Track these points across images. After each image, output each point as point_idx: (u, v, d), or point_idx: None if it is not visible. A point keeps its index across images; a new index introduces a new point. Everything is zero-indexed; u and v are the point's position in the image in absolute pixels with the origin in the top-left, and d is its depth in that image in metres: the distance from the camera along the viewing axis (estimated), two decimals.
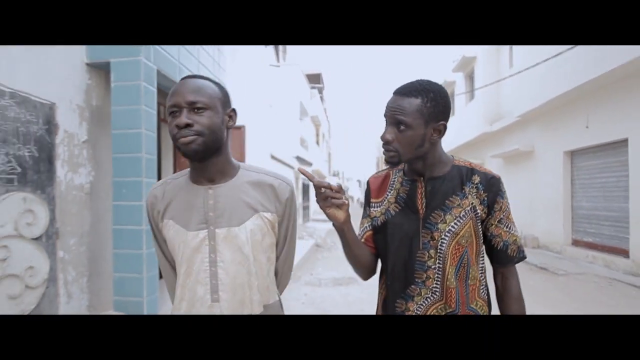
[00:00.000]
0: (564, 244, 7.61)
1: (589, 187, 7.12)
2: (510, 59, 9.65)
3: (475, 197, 1.00)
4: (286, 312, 3.89)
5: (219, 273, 0.94)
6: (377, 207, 1.09)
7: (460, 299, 0.99)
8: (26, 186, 2.47)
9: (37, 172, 2.56)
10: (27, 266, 2.46)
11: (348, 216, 0.96)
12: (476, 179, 1.01)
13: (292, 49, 15.90)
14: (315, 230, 12.01)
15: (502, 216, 1.01)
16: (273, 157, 10.05)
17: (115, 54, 2.99)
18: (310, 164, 15.85)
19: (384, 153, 0.99)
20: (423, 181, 1.03)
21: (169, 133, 0.95)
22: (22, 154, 2.44)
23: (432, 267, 0.99)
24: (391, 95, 1.01)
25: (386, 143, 0.98)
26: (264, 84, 9.18)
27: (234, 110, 1.02)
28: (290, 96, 13.37)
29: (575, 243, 7.47)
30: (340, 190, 0.92)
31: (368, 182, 1.15)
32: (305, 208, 16.71)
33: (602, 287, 5.09)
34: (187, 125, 0.90)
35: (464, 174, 1.02)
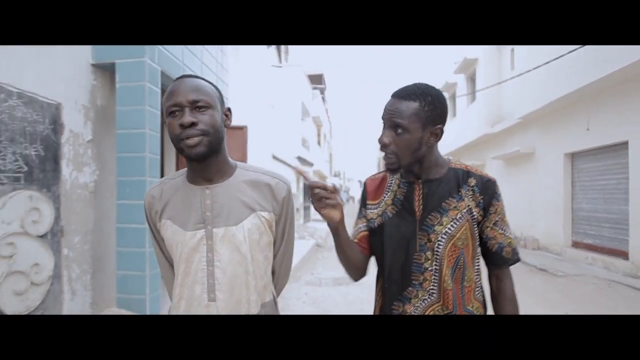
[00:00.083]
0: (564, 245, 7.63)
1: (589, 189, 7.14)
2: (512, 61, 9.67)
3: (471, 199, 1.00)
4: (287, 311, 3.90)
5: (216, 272, 0.94)
6: (373, 208, 1.09)
7: (457, 300, 0.99)
8: (32, 184, 2.52)
9: (43, 170, 2.60)
10: (32, 263, 2.50)
11: (342, 217, 0.97)
12: (472, 181, 1.02)
13: (294, 50, 15.94)
14: (316, 231, 12.05)
15: (497, 218, 1.02)
16: (275, 158, 10.09)
17: (121, 55, 3.04)
18: (311, 165, 15.89)
19: (384, 158, 1.00)
20: (420, 183, 1.03)
21: (169, 134, 0.92)
22: (28, 153, 2.49)
23: (429, 269, 0.99)
24: (389, 97, 1.01)
25: (383, 146, 0.98)
26: (266, 85, 9.22)
27: (229, 109, 1.03)
28: (292, 97, 13.42)
29: (575, 245, 7.49)
30: (334, 191, 0.93)
31: (365, 184, 1.15)
32: (307, 208, 16.75)
33: (601, 289, 5.11)
34: (193, 124, 0.89)
35: (460, 177, 1.03)
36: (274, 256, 1.07)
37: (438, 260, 0.98)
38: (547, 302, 4.45)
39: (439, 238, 0.98)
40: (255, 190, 1.00)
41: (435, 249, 0.98)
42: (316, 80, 20.26)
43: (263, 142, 8.50)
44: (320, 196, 0.92)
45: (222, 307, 0.94)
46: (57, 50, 2.76)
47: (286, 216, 1.05)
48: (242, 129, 4.18)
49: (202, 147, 0.90)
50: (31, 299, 2.50)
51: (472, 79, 12.22)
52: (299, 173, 0.99)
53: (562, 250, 7.63)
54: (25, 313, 2.45)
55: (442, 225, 0.98)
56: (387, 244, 1.03)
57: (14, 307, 2.37)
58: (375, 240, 1.07)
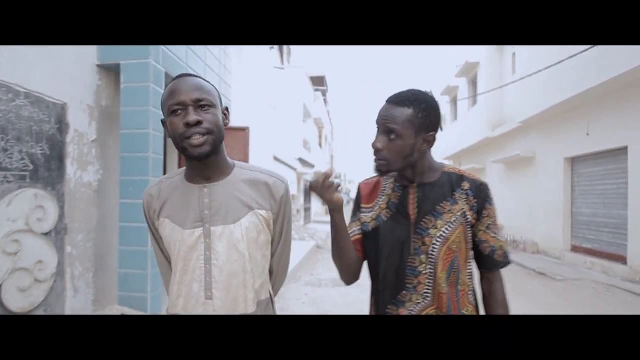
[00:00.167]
0: (563, 249, 7.65)
1: (589, 193, 7.16)
2: (513, 65, 9.71)
3: (465, 202, 1.01)
4: (286, 311, 3.94)
5: (213, 270, 0.95)
6: (367, 212, 1.09)
7: (452, 304, 0.99)
8: (37, 183, 2.56)
9: (48, 169, 2.64)
10: (36, 260, 2.54)
11: (342, 198, 1.00)
12: (465, 185, 1.02)
13: (296, 52, 16.01)
14: (316, 232, 12.08)
15: (489, 222, 1.03)
16: (276, 159, 10.14)
17: (125, 56, 3.08)
18: (312, 166, 15.93)
19: (374, 160, 1.01)
20: (414, 187, 1.04)
21: (171, 132, 0.92)
22: (34, 152, 2.53)
23: (423, 272, 0.99)
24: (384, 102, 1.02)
25: (376, 151, 0.99)
26: (268, 86, 9.28)
27: (227, 108, 1.03)
28: (293, 98, 13.47)
29: (574, 249, 7.51)
30: (329, 175, 0.98)
31: (358, 187, 1.16)
32: (307, 209, 16.78)
33: (599, 293, 5.13)
34: (198, 123, 0.89)
35: (454, 181, 1.03)
36: (272, 255, 1.07)
37: (432, 264, 0.98)
38: (545, 305, 4.47)
39: (434, 241, 0.98)
40: (253, 188, 1.00)
41: (430, 252, 0.98)
42: (318, 82, 20.33)
43: (264, 143, 8.54)
44: (325, 184, 0.96)
45: (218, 305, 0.95)
46: (63, 51, 2.80)
47: (284, 215, 1.05)
48: (244, 129, 4.21)
49: (207, 146, 0.90)
50: (34, 296, 2.54)
51: (473, 83, 12.26)
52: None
53: (561, 254, 7.64)
54: (29, 309, 2.49)
55: (436, 228, 0.99)
56: (381, 247, 1.03)
57: (18, 303, 2.41)
58: (369, 244, 1.07)
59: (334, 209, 0.99)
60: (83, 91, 3.02)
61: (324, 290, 5.03)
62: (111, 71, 3.26)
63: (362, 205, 1.11)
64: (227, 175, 1.00)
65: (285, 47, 13.60)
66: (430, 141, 0.99)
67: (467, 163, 13.10)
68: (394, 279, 1.01)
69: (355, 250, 1.08)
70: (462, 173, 1.05)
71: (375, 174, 1.07)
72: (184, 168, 1.03)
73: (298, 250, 7.71)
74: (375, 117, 1.02)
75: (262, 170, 1.05)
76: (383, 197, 1.08)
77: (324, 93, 21.91)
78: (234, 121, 5.22)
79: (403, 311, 1.00)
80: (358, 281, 1.14)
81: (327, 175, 0.96)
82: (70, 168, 2.89)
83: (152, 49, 3.09)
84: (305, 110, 15.54)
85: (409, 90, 0.99)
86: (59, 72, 2.77)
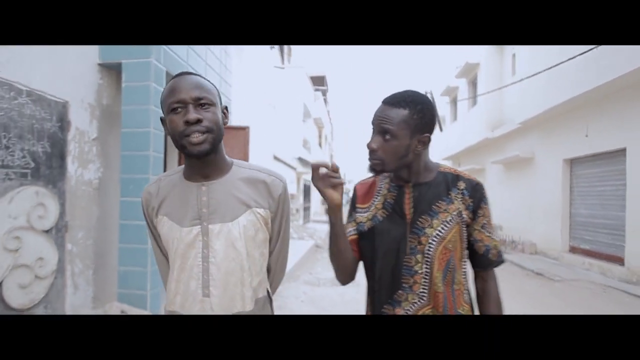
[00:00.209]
0: (562, 250, 7.68)
1: (587, 195, 7.19)
2: (513, 67, 9.74)
3: (461, 202, 1.01)
4: (285, 310, 3.95)
5: (211, 268, 0.95)
6: (363, 212, 1.09)
7: (448, 304, 0.99)
8: (39, 180, 2.58)
9: (49, 167, 2.66)
10: (37, 257, 2.56)
11: (342, 199, 0.98)
12: (461, 185, 1.03)
13: (296, 52, 16.02)
14: (315, 231, 12.11)
15: (485, 221, 1.03)
16: (276, 158, 10.16)
17: (127, 55, 3.10)
18: None
19: (369, 160, 1.01)
20: (410, 187, 1.04)
21: (171, 130, 0.92)
22: (36, 150, 2.55)
23: (419, 272, 0.99)
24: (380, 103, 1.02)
25: (371, 151, 0.99)
26: (269, 86, 9.30)
27: (226, 107, 1.03)
28: (293, 98, 13.49)
29: (573, 250, 7.53)
30: (337, 170, 0.95)
31: (354, 188, 1.16)
32: (306, 209, 16.80)
33: (596, 294, 5.15)
34: (198, 121, 0.89)
35: (450, 180, 1.03)
36: (270, 253, 1.08)
37: (428, 263, 0.99)
38: (543, 305, 4.49)
39: (430, 241, 0.99)
40: (251, 187, 1.00)
41: (426, 251, 0.99)
42: (318, 82, 20.34)
43: (264, 142, 8.56)
44: (326, 175, 0.94)
45: (216, 302, 0.95)
46: (65, 49, 2.82)
47: (282, 213, 1.05)
48: (244, 129, 4.23)
49: (207, 145, 0.91)
50: (35, 292, 2.56)
51: (473, 84, 12.28)
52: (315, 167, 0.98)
53: (559, 255, 7.67)
54: (29, 306, 2.51)
55: (432, 227, 0.99)
56: (377, 247, 1.03)
57: (19, 300, 2.43)
58: (366, 244, 1.07)
59: (330, 208, 0.99)
60: (84, 90, 3.04)
61: (323, 289, 5.06)
62: (112, 70, 3.28)
63: (358, 205, 1.12)
64: (225, 173, 1.00)
65: (285, 47, 13.62)
66: (426, 142, 1.00)
67: (466, 164, 13.12)
68: (390, 279, 1.01)
69: (352, 251, 1.08)
70: (458, 173, 1.05)
71: (370, 175, 1.07)
72: (183, 166, 1.03)
73: (297, 249, 7.73)
74: (371, 118, 1.02)
75: (261, 169, 1.05)
76: (379, 198, 1.08)
77: (324, 93, 21.93)
78: (235, 120, 5.24)
79: (399, 311, 1.00)
80: (356, 281, 1.14)
81: (325, 165, 0.95)
82: (72, 166, 2.91)
83: (154, 48, 3.11)
84: (306, 110, 15.56)
85: (404, 92, 1.00)
86: (61, 71, 2.79)
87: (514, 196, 9.72)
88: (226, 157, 1.03)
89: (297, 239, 9.92)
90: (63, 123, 2.79)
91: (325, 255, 8.00)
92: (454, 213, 1.00)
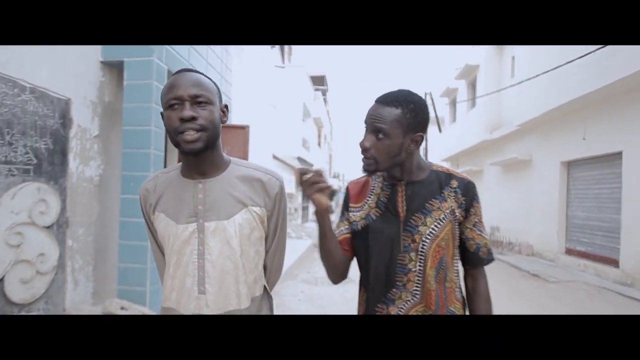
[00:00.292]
0: (558, 252, 7.74)
1: (584, 197, 7.25)
2: (512, 69, 9.79)
3: (453, 200, 1.02)
4: (283, 308, 3.97)
5: (206, 265, 0.96)
6: (356, 211, 1.10)
7: (440, 301, 1.00)
8: (41, 177, 2.61)
9: (51, 163, 2.69)
10: (38, 253, 2.59)
11: (329, 203, 0.99)
12: (454, 183, 1.04)
13: (297, 51, 16.05)
14: (314, 231, 12.15)
15: (476, 220, 1.05)
16: (275, 157, 10.19)
17: (129, 54, 3.13)
18: (311, 165, 15.98)
19: (362, 160, 1.01)
20: (403, 185, 1.05)
21: (167, 126, 0.93)
22: (38, 146, 2.58)
23: (413, 269, 0.99)
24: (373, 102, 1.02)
25: (364, 150, 0.99)
26: (269, 85, 9.32)
27: (226, 106, 1.02)
28: (293, 97, 13.52)
29: (569, 252, 7.59)
30: (321, 174, 0.95)
31: (347, 188, 1.16)
32: (305, 209, 16.84)
33: (591, 295, 5.21)
34: (193, 119, 0.89)
35: (442, 179, 1.04)
36: (266, 251, 1.08)
37: (422, 261, 0.99)
38: (539, 306, 4.54)
39: (424, 238, 0.99)
40: (247, 185, 1.01)
41: (420, 249, 0.99)
42: (318, 81, 20.37)
43: (264, 141, 8.59)
44: (312, 181, 0.95)
45: (211, 299, 0.95)
46: (69, 47, 2.85)
47: (278, 212, 1.06)
48: (244, 128, 4.26)
49: (200, 143, 0.91)
50: (36, 288, 2.58)
51: (472, 85, 12.34)
52: (299, 172, 0.99)
53: (555, 257, 7.73)
54: (30, 301, 2.53)
55: (426, 225, 1.00)
56: (371, 246, 1.04)
57: (20, 294, 2.45)
58: (359, 243, 1.07)
59: (318, 212, 0.99)
60: (87, 87, 3.07)
61: (321, 288, 5.10)
62: (114, 68, 3.31)
63: (351, 204, 1.12)
64: (222, 171, 1.01)
65: (286, 46, 13.64)
66: (418, 141, 1.00)
67: (465, 165, 13.17)
68: (384, 277, 1.02)
69: (343, 250, 1.09)
70: (450, 172, 1.07)
71: (363, 174, 1.08)
72: (181, 163, 1.04)
73: (295, 248, 7.76)
74: (364, 117, 1.03)
75: (258, 168, 1.06)
76: (372, 197, 1.09)
77: (324, 93, 21.96)
78: (235, 119, 5.27)
79: (393, 309, 1.00)
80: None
81: (310, 171, 0.96)
82: (73, 163, 2.93)
83: (156, 47, 3.14)
84: (305, 109, 15.59)
85: (398, 91, 1.01)
86: (63, 68, 2.81)
87: (512, 198, 9.78)
88: (223, 155, 1.03)
89: (296, 238, 9.96)
90: (65, 120, 2.82)
91: None
92: (447, 211, 1.01)
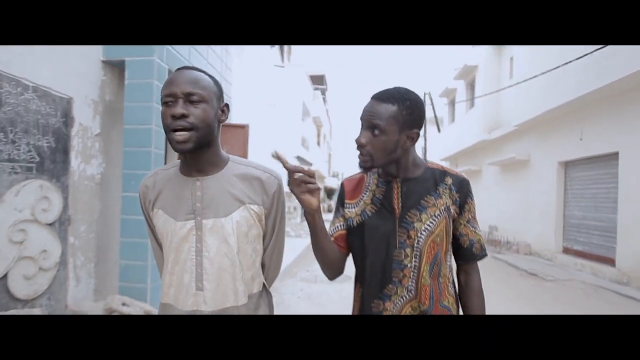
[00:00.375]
0: (555, 251, 7.79)
1: (581, 197, 7.30)
2: (511, 70, 9.84)
3: (448, 197, 1.03)
4: (282, 306, 4.01)
5: (204, 262, 0.96)
6: (352, 208, 1.10)
7: (434, 296, 1.01)
8: (43, 174, 2.64)
9: (53, 161, 2.72)
10: (41, 249, 2.62)
11: (319, 203, 0.97)
12: (449, 180, 1.05)
13: (296, 50, 16.07)
14: None
15: (470, 216, 1.06)
16: (274, 156, 10.22)
17: (130, 53, 3.16)
18: (310, 164, 16.02)
19: (358, 157, 1.02)
20: (398, 182, 1.05)
21: (162, 123, 0.93)
22: (41, 145, 2.61)
23: (408, 265, 1.00)
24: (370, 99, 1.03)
25: (360, 146, 1.00)
26: (268, 84, 9.35)
27: (227, 105, 1.02)
28: (293, 97, 13.55)
29: (566, 251, 7.65)
30: (313, 175, 0.93)
31: (342, 184, 1.16)
32: None
33: (588, 294, 5.26)
34: (183, 116, 0.89)
35: (437, 176, 1.06)
36: (265, 249, 1.08)
37: (417, 257, 1.00)
38: (536, 304, 4.58)
39: (419, 234, 1.00)
40: (245, 183, 1.01)
41: (415, 245, 1.00)
42: (318, 80, 20.41)
43: (263, 140, 8.63)
44: (301, 180, 0.92)
45: (209, 296, 0.96)
46: (71, 47, 2.88)
47: (277, 210, 1.06)
48: (243, 127, 4.29)
49: (190, 144, 0.91)
50: (39, 284, 2.62)
51: (471, 86, 12.38)
52: (278, 158, 0.99)
53: (553, 256, 7.79)
54: (33, 297, 2.57)
55: (421, 222, 1.01)
56: (367, 242, 1.04)
57: (23, 290, 2.49)
58: (355, 239, 1.08)
59: (308, 213, 0.98)
60: (88, 86, 3.10)
61: (320, 286, 5.13)
62: (116, 67, 3.34)
63: (347, 201, 1.12)
64: (220, 169, 1.01)
65: (285, 46, 13.67)
66: (414, 138, 1.01)
67: (463, 165, 13.22)
68: (380, 273, 1.02)
69: (338, 247, 1.09)
70: (445, 169, 1.08)
71: (359, 171, 1.09)
72: (180, 160, 1.05)
73: (295, 246, 7.81)
74: (360, 113, 1.03)
75: (256, 166, 1.06)
76: (367, 193, 1.10)
77: (323, 92, 21.99)
78: (234, 118, 5.30)
79: (389, 304, 1.02)
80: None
81: (301, 170, 0.93)
82: (75, 161, 2.96)
83: (157, 47, 3.17)
84: (305, 108, 15.62)
85: (394, 88, 1.01)
86: (65, 67, 2.84)
87: (510, 197, 9.84)
88: (222, 152, 1.04)
89: (295, 237, 10.00)
90: (67, 119, 2.85)
91: None
92: (442, 208, 1.02)
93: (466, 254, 1.08)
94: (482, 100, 10.70)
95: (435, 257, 1.02)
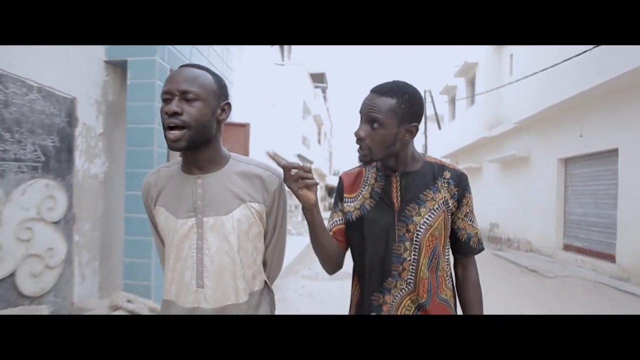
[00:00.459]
0: (556, 248, 7.82)
1: (581, 194, 7.32)
2: (511, 67, 9.84)
3: (446, 191, 1.04)
4: (284, 302, 4.07)
5: (205, 260, 0.97)
6: (350, 202, 1.10)
7: (432, 289, 1.02)
8: (49, 174, 2.68)
9: (58, 161, 2.76)
10: (47, 247, 2.67)
11: (317, 199, 0.98)
12: (447, 174, 1.06)
13: (297, 49, 16.07)
14: None
15: (468, 210, 1.07)
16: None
17: (133, 53, 3.20)
18: (311, 162, 16.05)
19: (358, 151, 1.02)
20: (397, 176, 1.06)
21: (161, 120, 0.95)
22: (46, 144, 2.65)
23: (408, 259, 1.01)
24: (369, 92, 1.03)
25: (359, 139, 1.00)
26: (268, 83, 9.37)
27: (228, 103, 1.01)
28: (293, 95, 13.57)
29: (566, 247, 7.68)
30: (309, 170, 0.93)
31: (340, 178, 1.16)
32: None
33: (588, 290, 5.29)
34: (176, 114, 0.90)
35: (436, 170, 1.06)
36: (266, 247, 1.08)
37: (416, 250, 1.01)
38: (537, 301, 4.62)
39: (418, 228, 1.01)
40: (246, 181, 1.01)
41: (414, 239, 1.01)
42: (318, 79, 20.41)
43: (264, 139, 8.66)
44: (298, 176, 0.92)
45: (209, 293, 0.97)
46: (74, 47, 2.92)
47: (278, 208, 1.06)
48: (244, 126, 4.32)
49: (183, 142, 0.91)
50: (45, 281, 2.66)
51: (471, 83, 12.38)
52: (273, 159, 0.99)
53: (553, 253, 7.82)
54: (40, 294, 2.61)
55: (420, 215, 1.02)
56: (366, 236, 1.05)
57: (31, 288, 2.53)
58: (354, 234, 1.08)
59: (306, 209, 0.98)
60: (91, 86, 3.13)
61: (321, 283, 5.18)
62: (118, 67, 3.37)
63: (345, 195, 1.12)
64: (221, 167, 1.01)
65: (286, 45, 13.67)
66: (413, 132, 1.01)
67: (464, 162, 13.24)
68: (380, 267, 1.03)
69: (337, 241, 1.10)
70: (443, 163, 1.09)
71: (359, 164, 1.09)
72: (182, 158, 1.06)
73: (296, 244, 7.85)
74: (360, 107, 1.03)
75: (258, 164, 1.06)
76: (366, 187, 1.10)
77: (323, 90, 22.00)
78: (235, 117, 5.34)
79: (389, 297, 1.02)
80: (333, 274, 1.18)
81: (297, 167, 0.92)
82: (79, 160, 3.00)
83: (158, 47, 3.20)
84: (305, 107, 15.64)
85: (393, 81, 1.02)
86: (69, 68, 2.88)
87: (510, 195, 9.86)
88: (223, 150, 1.03)
89: (296, 235, 10.04)
90: (71, 119, 2.89)
91: None
92: (441, 201, 1.03)
93: (464, 247, 1.09)
94: (483, 97, 10.71)
95: (434, 251, 1.03)
